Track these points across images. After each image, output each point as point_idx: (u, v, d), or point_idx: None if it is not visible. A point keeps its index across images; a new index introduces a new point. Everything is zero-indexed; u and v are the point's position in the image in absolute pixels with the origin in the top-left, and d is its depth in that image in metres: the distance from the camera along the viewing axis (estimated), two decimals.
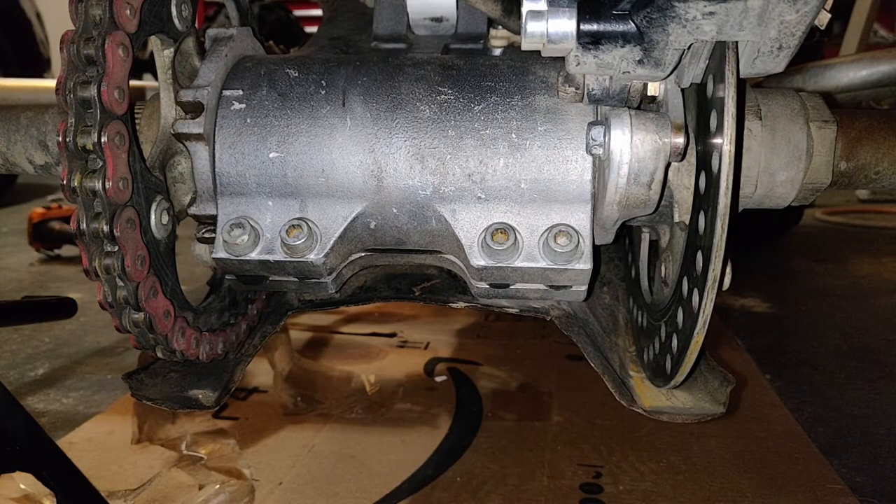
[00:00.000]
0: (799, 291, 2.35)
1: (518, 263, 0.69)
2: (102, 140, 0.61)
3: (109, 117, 0.62)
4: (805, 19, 0.55)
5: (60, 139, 0.61)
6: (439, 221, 0.71)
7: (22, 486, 1.03)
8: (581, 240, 0.68)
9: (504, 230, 0.69)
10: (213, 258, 0.71)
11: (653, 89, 0.65)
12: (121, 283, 0.66)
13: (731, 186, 0.57)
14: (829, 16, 0.62)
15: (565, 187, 0.68)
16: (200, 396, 0.78)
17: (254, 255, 0.70)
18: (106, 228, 0.62)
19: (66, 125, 0.61)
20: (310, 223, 0.70)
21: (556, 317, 0.82)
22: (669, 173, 0.70)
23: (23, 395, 1.63)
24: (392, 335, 1.86)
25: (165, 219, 0.70)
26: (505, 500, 1.19)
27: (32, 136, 0.80)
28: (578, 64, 0.58)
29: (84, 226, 0.63)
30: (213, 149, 0.70)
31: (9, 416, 0.88)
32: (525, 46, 0.61)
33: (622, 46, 0.57)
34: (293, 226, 0.70)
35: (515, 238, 0.69)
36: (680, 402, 0.78)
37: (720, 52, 0.58)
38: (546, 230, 0.68)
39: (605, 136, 0.63)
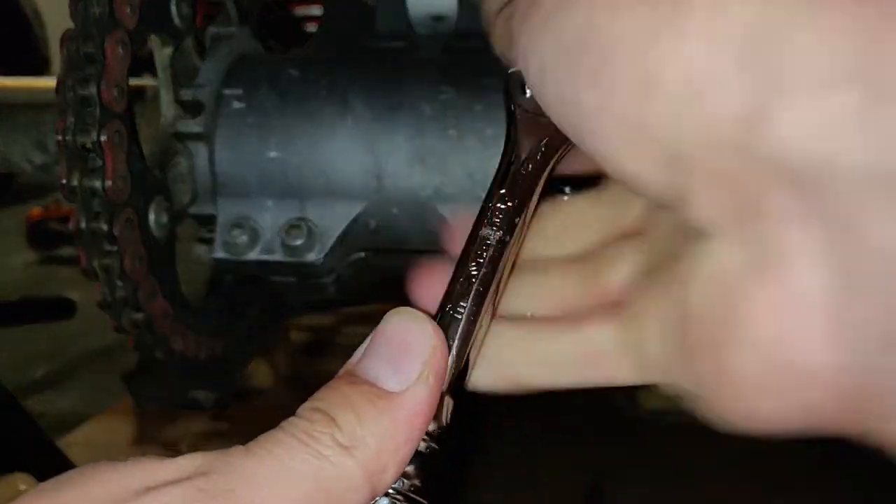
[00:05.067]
0: None
1: None
2: (102, 138, 0.61)
3: (109, 116, 0.62)
4: None
5: (60, 138, 0.61)
6: (440, 221, 0.71)
7: (22, 487, 1.03)
8: None
9: None
10: (213, 258, 0.71)
11: None
12: (120, 284, 0.65)
13: None
14: None
15: None
16: (200, 397, 0.78)
17: (253, 256, 0.70)
18: (105, 228, 0.62)
19: (66, 123, 0.61)
20: (309, 223, 0.70)
21: None
22: None
23: (22, 395, 1.62)
24: None
25: (165, 218, 0.70)
26: (506, 501, 1.18)
27: (31, 136, 0.80)
28: None
29: (83, 225, 0.63)
30: (213, 148, 0.70)
31: (8, 416, 0.88)
32: None
33: None
34: (293, 226, 0.70)
35: None
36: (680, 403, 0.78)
37: None
38: None
39: None
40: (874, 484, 1.24)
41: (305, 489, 0.25)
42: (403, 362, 0.27)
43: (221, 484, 0.25)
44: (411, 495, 0.27)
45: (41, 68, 3.44)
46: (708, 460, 1.30)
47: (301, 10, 1.22)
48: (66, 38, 0.62)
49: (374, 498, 0.26)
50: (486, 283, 0.31)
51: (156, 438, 1.33)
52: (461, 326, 0.30)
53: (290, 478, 0.25)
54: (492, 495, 1.17)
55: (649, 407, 1.26)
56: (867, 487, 1.22)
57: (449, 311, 0.30)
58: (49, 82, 0.67)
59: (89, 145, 0.61)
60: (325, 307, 0.86)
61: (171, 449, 1.29)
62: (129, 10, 0.64)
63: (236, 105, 0.71)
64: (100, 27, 0.62)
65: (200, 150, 0.70)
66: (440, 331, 0.28)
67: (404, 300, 0.33)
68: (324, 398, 0.27)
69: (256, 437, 0.28)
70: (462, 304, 0.30)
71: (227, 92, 0.71)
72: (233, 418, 1.39)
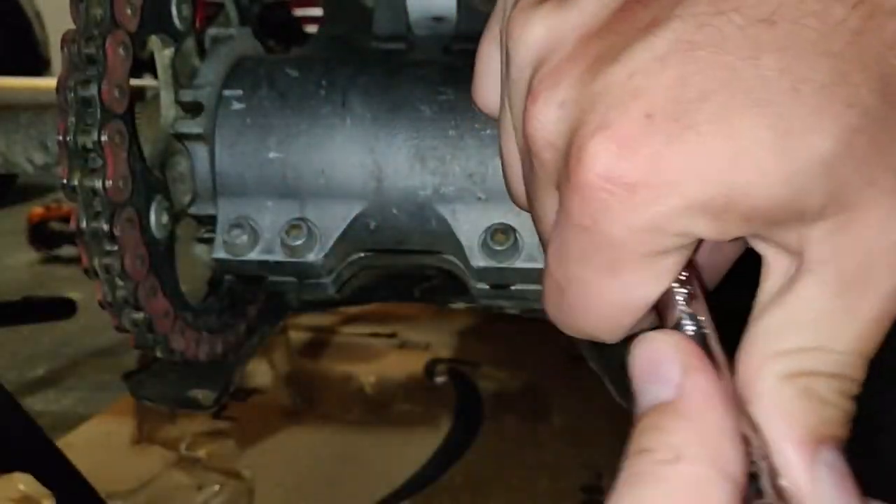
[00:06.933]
0: None
1: (518, 264, 0.69)
2: (102, 139, 0.61)
3: (109, 116, 0.62)
4: None
5: (61, 138, 0.61)
6: (439, 222, 0.71)
7: (21, 487, 1.03)
8: None
9: (504, 231, 0.69)
10: (213, 258, 0.71)
11: None
12: (120, 283, 0.65)
13: None
14: None
15: None
16: (200, 397, 0.78)
17: (253, 256, 0.70)
18: (106, 227, 0.62)
19: (67, 124, 0.61)
20: (309, 223, 0.70)
21: None
22: None
23: (22, 395, 1.63)
24: (392, 335, 1.85)
25: (165, 218, 0.70)
26: (506, 502, 1.18)
27: (32, 136, 0.80)
28: None
29: (84, 225, 0.63)
30: (213, 149, 0.70)
31: (8, 416, 0.88)
32: None
33: None
34: (293, 226, 0.70)
35: (516, 239, 0.69)
36: None
37: None
38: None
39: None
40: (876, 484, 1.24)
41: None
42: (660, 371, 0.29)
43: None
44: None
45: (42, 69, 3.45)
46: None
47: (301, 11, 1.22)
48: (66, 39, 0.62)
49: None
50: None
51: (156, 438, 1.33)
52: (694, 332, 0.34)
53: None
54: (491, 495, 1.17)
55: None
56: (869, 488, 1.22)
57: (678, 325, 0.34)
58: (50, 83, 0.67)
59: (90, 145, 0.61)
60: (325, 307, 0.86)
61: (171, 449, 1.29)
62: (129, 11, 0.64)
63: (236, 106, 0.71)
64: (100, 28, 0.62)
65: (200, 151, 0.70)
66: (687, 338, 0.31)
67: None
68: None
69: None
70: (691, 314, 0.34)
71: (226, 93, 0.71)
72: (233, 418, 1.39)
